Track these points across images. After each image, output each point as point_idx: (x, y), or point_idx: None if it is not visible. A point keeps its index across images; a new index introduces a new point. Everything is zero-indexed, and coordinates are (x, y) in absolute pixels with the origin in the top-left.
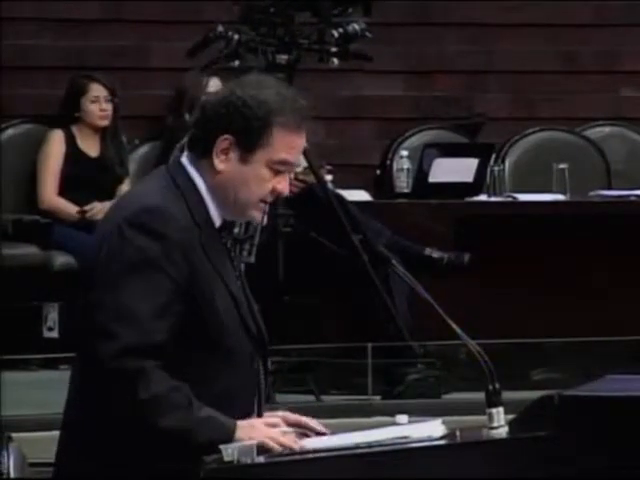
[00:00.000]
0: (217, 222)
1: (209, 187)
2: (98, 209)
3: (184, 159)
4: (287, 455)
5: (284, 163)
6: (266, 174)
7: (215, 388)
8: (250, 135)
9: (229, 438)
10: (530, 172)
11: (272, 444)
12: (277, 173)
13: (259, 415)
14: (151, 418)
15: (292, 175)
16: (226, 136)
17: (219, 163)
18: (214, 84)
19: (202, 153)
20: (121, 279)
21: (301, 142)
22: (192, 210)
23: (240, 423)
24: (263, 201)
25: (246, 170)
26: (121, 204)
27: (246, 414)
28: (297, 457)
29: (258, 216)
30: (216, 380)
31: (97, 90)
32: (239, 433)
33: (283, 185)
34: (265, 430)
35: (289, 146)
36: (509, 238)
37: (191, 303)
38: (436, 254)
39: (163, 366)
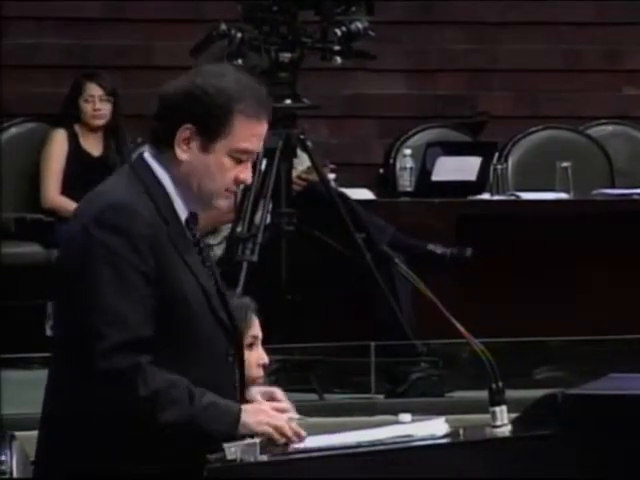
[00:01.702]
0: (183, 216)
1: (173, 179)
2: None
3: (146, 154)
4: (290, 454)
5: (245, 152)
6: (228, 163)
7: (197, 378)
8: (210, 123)
9: (235, 422)
10: (533, 171)
11: (276, 435)
12: (239, 162)
13: None
14: (152, 414)
15: (296, 173)
16: (187, 125)
17: (181, 153)
18: None
19: (164, 145)
20: (96, 279)
21: (262, 129)
22: (157, 205)
23: (246, 407)
24: (227, 190)
25: (208, 159)
26: (87, 202)
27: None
28: (300, 456)
29: (224, 204)
30: (189, 373)
31: (92, 89)
32: (245, 417)
33: (245, 174)
34: (272, 416)
35: (250, 134)
36: (512, 237)
37: (161, 296)
38: (439, 249)
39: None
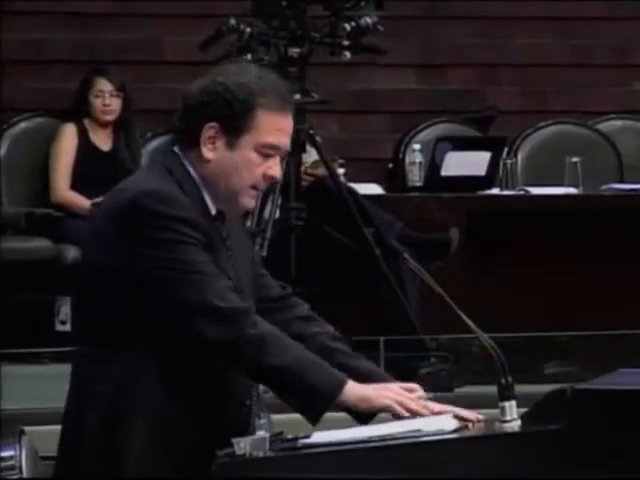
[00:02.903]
0: (213, 211)
1: (201, 178)
2: None
3: (176, 149)
4: (299, 449)
5: (271, 146)
6: (255, 159)
7: (212, 372)
8: (234, 119)
9: (338, 386)
10: (542, 165)
11: (399, 409)
12: (267, 157)
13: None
14: (260, 355)
15: (302, 168)
16: (211, 124)
17: (207, 152)
18: None
19: (190, 144)
20: (175, 256)
21: (287, 124)
22: (190, 198)
23: (372, 385)
24: (254, 187)
25: (234, 156)
26: (116, 194)
27: (242, 398)
28: (309, 451)
29: (250, 203)
30: (212, 363)
31: (102, 84)
32: (364, 390)
33: (275, 170)
34: (398, 393)
35: (275, 128)
36: (521, 232)
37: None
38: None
39: None
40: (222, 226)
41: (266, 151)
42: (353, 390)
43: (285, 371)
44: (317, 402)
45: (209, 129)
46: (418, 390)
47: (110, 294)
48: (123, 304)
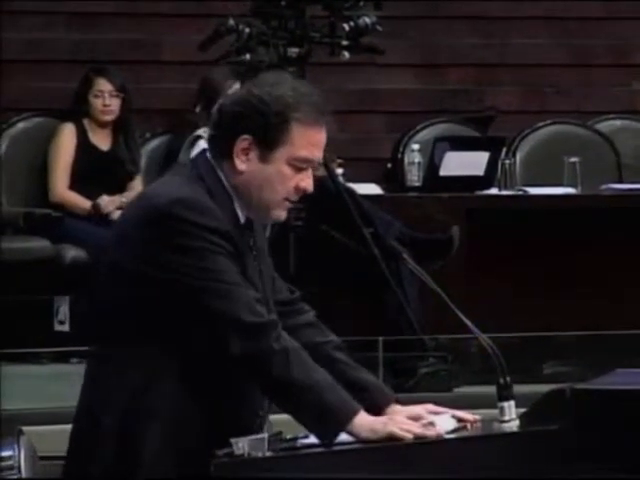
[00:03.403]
0: (242, 219)
1: (232, 188)
2: (106, 202)
3: (209, 155)
4: (297, 449)
5: (305, 160)
6: (288, 172)
7: (228, 380)
8: (269, 132)
9: (350, 414)
10: (541, 165)
11: (402, 433)
12: (299, 170)
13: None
14: (283, 368)
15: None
16: (245, 136)
17: (240, 164)
18: (235, 87)
19: (223, 155)
20: (204, 265)
21: (321, 137)
22: (219, 206)
23: (382, 417)
24: (287, 199)
25: (268, 169)
26: (145, 200)
27: (256, 407)
28: (307, 451)
29: (282, 215)
30: (228, 372)
31: (102, 85)
32: (372, 424)
33: (307, 182)
34: (401, 422)
35: (309, 142)
36: (520, 232)
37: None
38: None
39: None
40: (250, 234)
41: (299, 165)
42: (364, 422)
43: (306, 389)
44: (332, 425)
45: (243, 141)
46: (424, 416)
47: (130, 298)
48: (143, 309)
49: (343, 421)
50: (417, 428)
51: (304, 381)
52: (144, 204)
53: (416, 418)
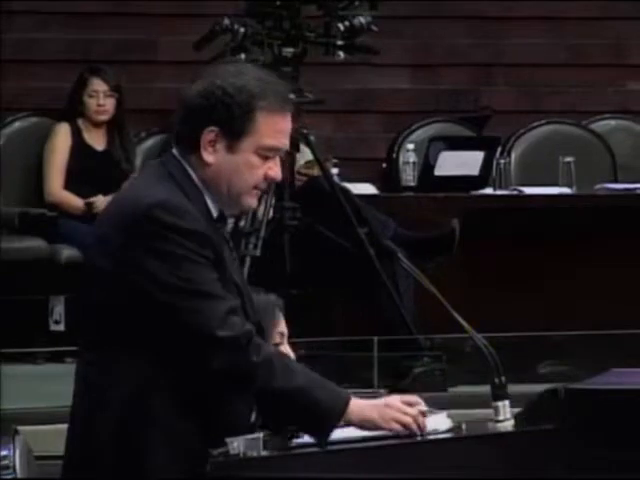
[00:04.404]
0: (214, 213)
1: (202, 181)
2: (101, 202)
3: (175, 151)
4: (293, 448)
5: (272, 149)
6: (256, 161)
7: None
8: (234, 123)
9: (343, 406)
10: (536, 165)
11: (396, 426)
12: (266, 158)
13: None
14: (267, 380)
15: (296, 167)
16: (211, 128)
17: (208, 156)
18: None
19: (190, 149)
20: (177, 273)
21: (287, 125)
22: (192, 202)
23: (374, 403)
24: (256, 188)
25: (235, 159)
26: (121, 203)
27: (251, 402)
28: (303, 451)
29: (253, 202)
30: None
31: (96, 84)
32: (368, 411)
33: (275, 171)
34: (398, 410)
35: (275, 130)
36: (515, 231)
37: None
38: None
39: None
40: (224, 227)
41: (266, 153)
42: (357, 410)
43: (293, 393)
44: (325, 422)
45: (209, 133)
46: (419, 403)
47: (113, 302)
48: (125, 314)
49: (338, 414)
50: (412, 422)
51: (290, 387)
52: (123, 207)
53: (411, 404)
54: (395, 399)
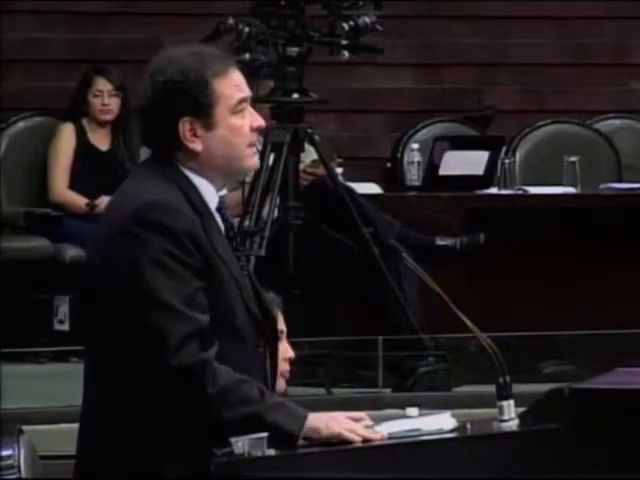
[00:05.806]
0: (213, 205)
1: (195, 172)
2: (104, 202)
3: (162, 156)
4: (297, 448)
5: (241, 101)
6: (235, 121)
7: None
8: (200, 102)
9: (301, 424)
10: (541, 165)
11: (351, 436)
12: (242, 113)
13: None
14: (219, 411)
15: (301, 167)
16: (184, 119)
17: (195, 145)
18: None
19: (171, 146)
20: (147, 278)
21: (239, 77)
22: (189, 197)
23: (319, 415)
24: (251, 145)
25: (219, 132)
26: (118, 203)
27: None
28: (307, 450)
29: (255, 161)
30: (226, 364)
31: (101, 84)
32: (313, 422)
33: (256, 119)
34: (345, 422)
35: (233, 85)
36: (519, 231)
37: (205, 290)
38: (449, 241)
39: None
40: (227, 214)
41: (239, 108)
42: (310, 425)
43: (247, 420)
44: (287, 441)
45: (184, 124)
46: (365, 419)
47: (100, 302)
48: (106, 315)
49: (296, 433)
50: (362, 430)
51: (243, 414)
52: (122, 206)
53: (357, 420)
54: (340, 414)
